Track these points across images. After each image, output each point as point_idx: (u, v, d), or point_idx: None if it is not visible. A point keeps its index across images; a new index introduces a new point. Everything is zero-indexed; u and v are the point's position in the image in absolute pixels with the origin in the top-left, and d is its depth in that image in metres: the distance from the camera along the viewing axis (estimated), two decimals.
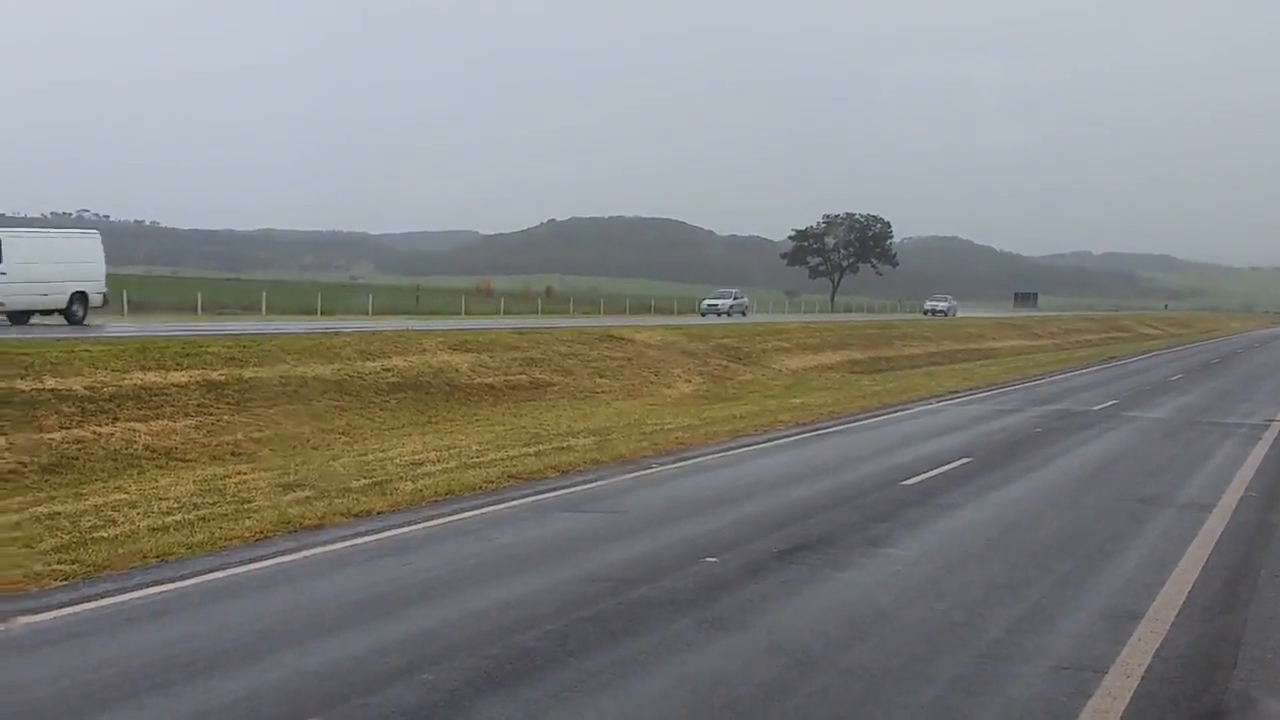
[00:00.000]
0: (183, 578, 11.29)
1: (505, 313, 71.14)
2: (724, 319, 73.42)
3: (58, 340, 26.88)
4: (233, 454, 21.92)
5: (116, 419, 22.18)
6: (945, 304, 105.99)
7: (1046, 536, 14.01)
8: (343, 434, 24.87)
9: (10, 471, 18.76)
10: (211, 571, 11.54)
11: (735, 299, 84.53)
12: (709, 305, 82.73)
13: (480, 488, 16.70)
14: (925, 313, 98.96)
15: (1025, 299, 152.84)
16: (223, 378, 26.03)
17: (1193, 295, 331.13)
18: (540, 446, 21.27)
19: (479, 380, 32.78)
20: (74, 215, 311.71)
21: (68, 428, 21.09)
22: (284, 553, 12.40)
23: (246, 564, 11.88)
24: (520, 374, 34.72)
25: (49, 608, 10.17)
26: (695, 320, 68.49)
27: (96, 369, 24.04)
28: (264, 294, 59.83)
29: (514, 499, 15.96)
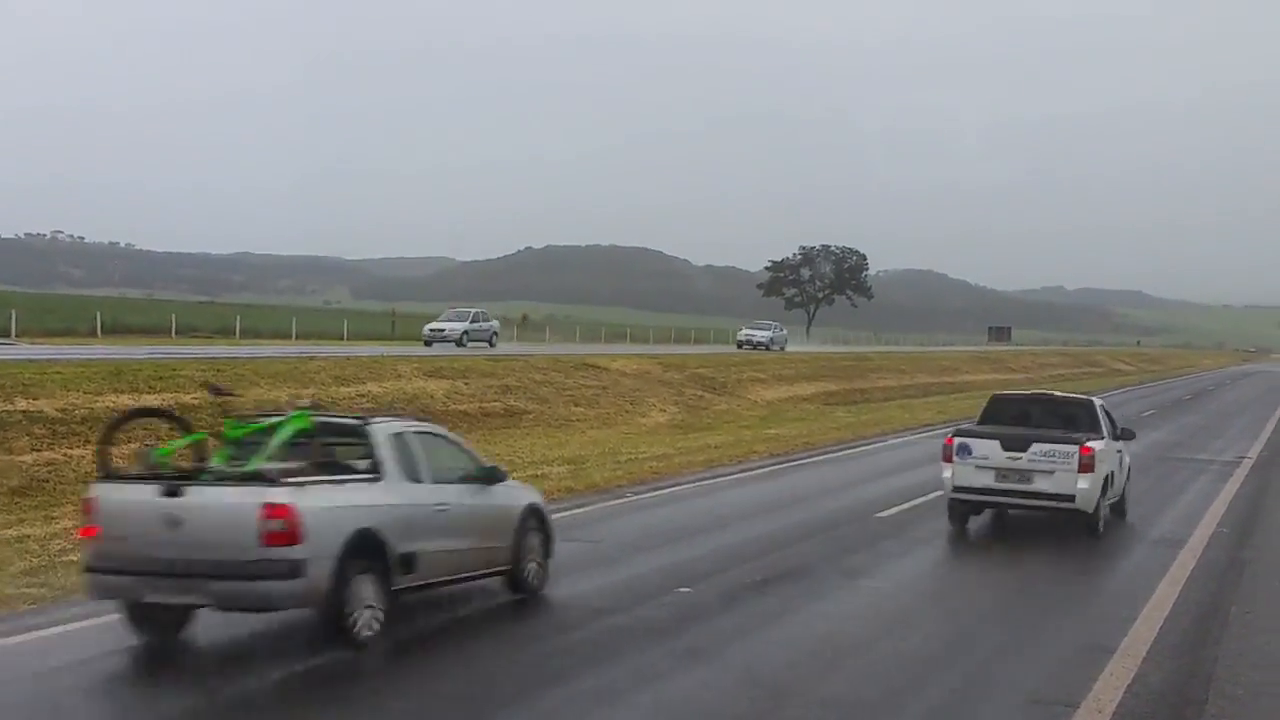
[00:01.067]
0: None
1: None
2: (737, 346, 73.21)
3: (30, 361, 26.67)
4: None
5: (89, 441, 21.98)
6: (766, 334, 75.39)
7: (1022, 570, 14.03)
8: None
9: None
10: None
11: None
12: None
13: None
14: (740, 344, 74.17)
15: (999, 333, 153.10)
16: (195, 400, 25.84)
17: (1164, 332, 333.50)
18: (515, 474, 21.11)
19: (454, 407, 32.65)
20: (48, 236, 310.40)
21: (38, 450, 20.88)
22: None
23: None
24: (495, 401, 34.63)
25: (17, 631, 10.06)
26: (669, 350, 68.54)
27: (69, 391, 23.84)
28: (238, 318, 59.59)
29: None
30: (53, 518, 16.42)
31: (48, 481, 19.74)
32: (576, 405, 37.31)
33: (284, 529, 8.74)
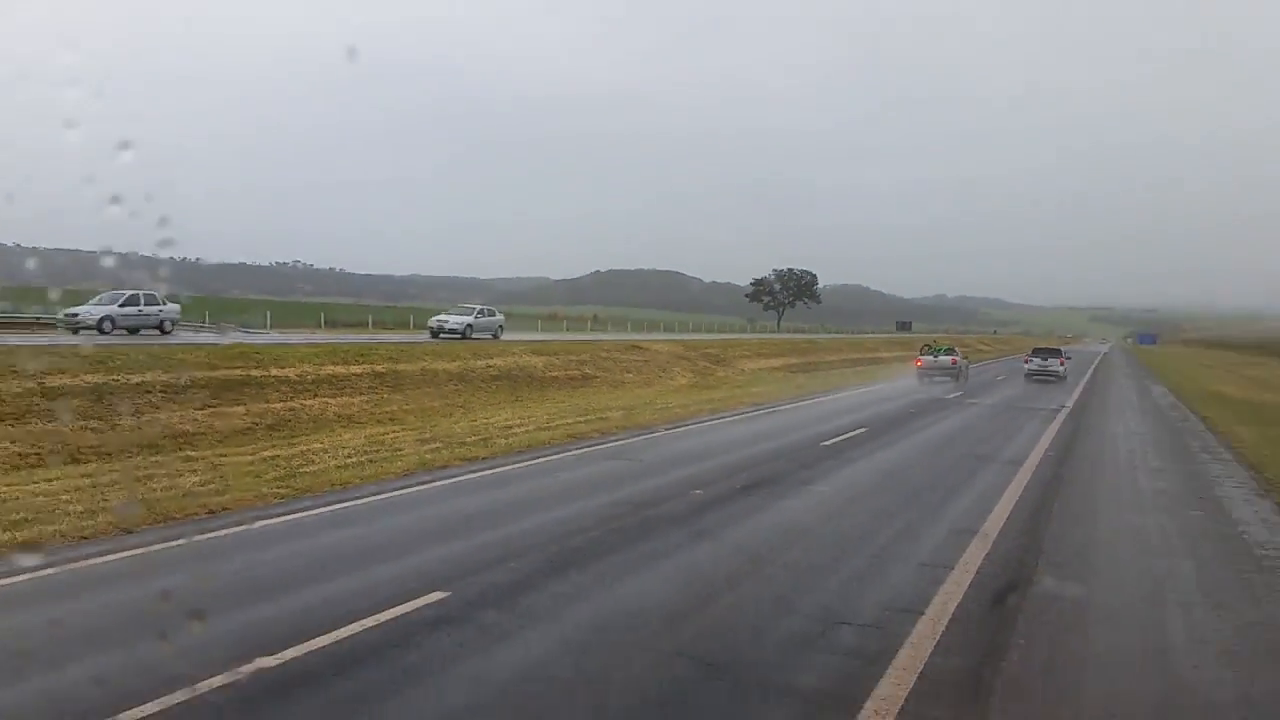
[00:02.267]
0: (357, 498, 11.36)
1: (567, 331, 71.09)
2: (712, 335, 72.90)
3: (278, 344, 27.02)
4: (390, 419, 21.98)
5: (315, 395, 22.27)
6: (463, 319, 40.13)
7: (916, 480, 13.96)
8: (461, 407, 24.92)
9: (247, 429, 18.85)
10: (376, 494, 11.60)
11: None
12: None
13: (549, 443, 16.72)
14: (434, 333, 38.87)
15: (903, 325, 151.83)
16: (384, 370, 26.10)
17: (1014, 324, 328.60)
18: (587, 417, 21.27)
19: (549, 374, 32.78)
20: (290, 263, 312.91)
21: (285, 401, 21.17)
22: (422, 483, 12.45)
23: (399, 489, 11.94)
24: (575, 370, 34.71)
25: (274, 515, 10.25)
26: (689, 337, 68.35)
27: (303, 362, 24.15)
28: (411, 316, 59.90)
29: (570, 450, 15.98)
30: (293, 444, 16.64)
31: (290, 422, 20.01)
32: (627, 373, 37.32)
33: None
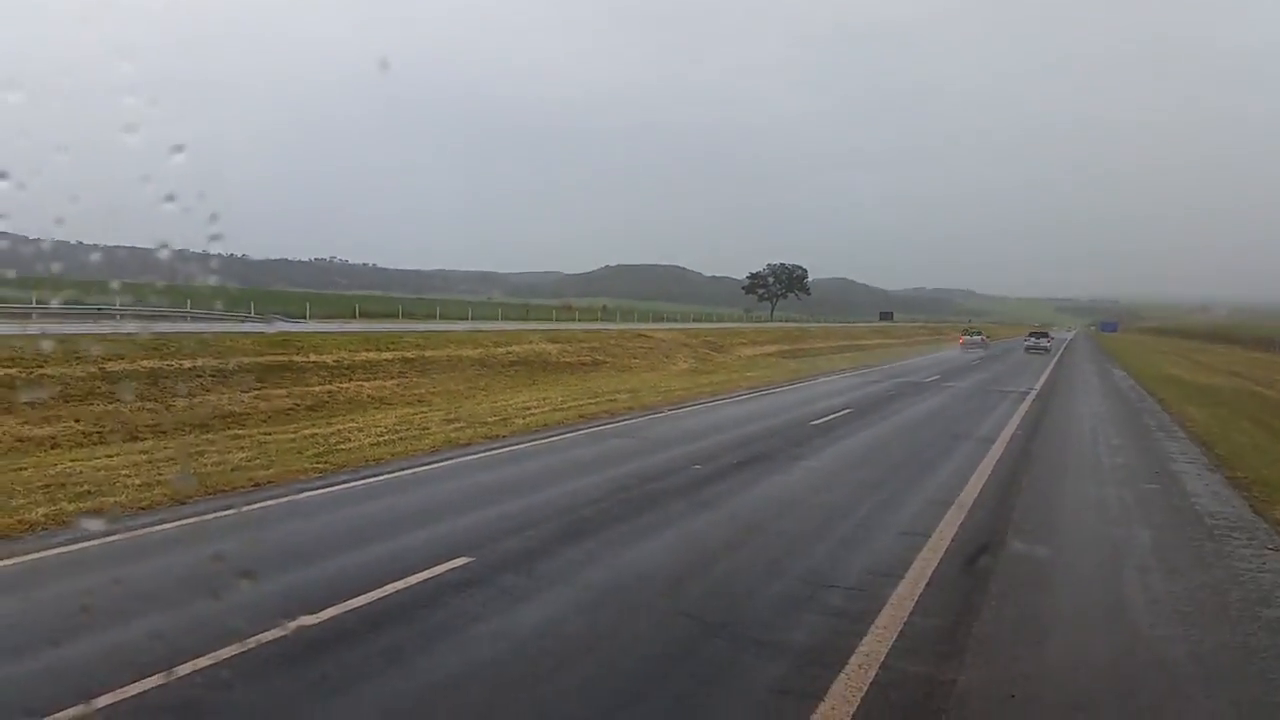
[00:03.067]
0: (389, 472, 11.39)
1: (579, 320, 71.07)
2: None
3: (317, 333, 27.06)
4: (419, 401, 22.02)
5: (351, 379, 22.32)
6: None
7: (897, 455, 13.96)
8: (483, 390, 24.95)
9: (289, 410, 18.91)
10: (406, 469, 11.64)
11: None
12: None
13: (562, 422, 16.74)
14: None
15: (886, 316, 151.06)
16: (414, 356, 26.13)
17: (986, 314, 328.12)
18: (597, 399, 21.28)
19: (563, 360, 32.80)
20: (328, 259, 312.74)
21: (323, 384, 21.22)
22: (448, 459, 12.49)
23: (427, 465, 11.98)
24: (587, 356, 34.72)
25: (314, 488, 10.29)
26: (691, 326, 68.18)
27: (340, 350, 24.19)
28: (437, 308, 59.96)
29: (582, 429, 16.01)
30: (331, 424, 16.70)
31: (328, 403, 20.05)
32: (634, 358, 37.31)
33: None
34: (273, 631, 5.74)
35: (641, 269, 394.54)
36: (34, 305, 29.63)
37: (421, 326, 39.25)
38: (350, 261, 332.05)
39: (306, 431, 15.19)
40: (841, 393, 25.65)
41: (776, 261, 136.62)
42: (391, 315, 54.96)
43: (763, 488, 11.06)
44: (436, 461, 12.23)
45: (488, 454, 13.01)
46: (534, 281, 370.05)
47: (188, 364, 18.51)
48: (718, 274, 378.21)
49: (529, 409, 18.90)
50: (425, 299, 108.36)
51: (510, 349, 31.55)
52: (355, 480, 10.80)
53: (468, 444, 13.85)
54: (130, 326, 27.00)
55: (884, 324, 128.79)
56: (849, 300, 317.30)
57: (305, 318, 43.87)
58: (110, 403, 15.63)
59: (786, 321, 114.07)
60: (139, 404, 15.79)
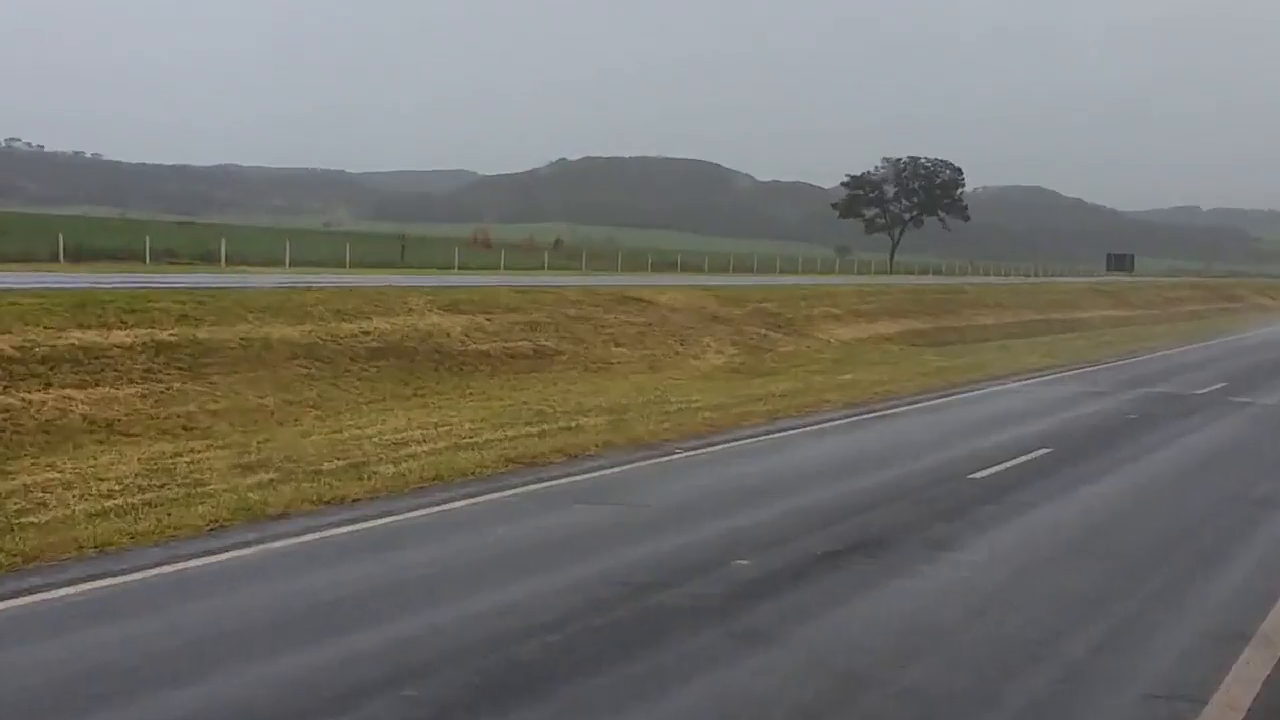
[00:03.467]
0: (124, 571, 11.33)
1: (506, 268, 71.12)
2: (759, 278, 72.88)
3: None
4: (185, 428, 21.98)
5: (50, 384, 22.25)
6: None
7: (1139, 541, 13.93)
8: (313, 406, 24.91)
9: None
10: (158, 565, 11.57)
11: None
12: None
13: (474, 473, 16.69)
14: None
15: (1120, 261, 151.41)
16: (174, 338, 26.08)
17: None
18: (544, 426, 21.26)
19: (473, 347, 32.78)
20: (2, 144, 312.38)
21: None
22: (242, 545, 12.41)
23: (199, 557, 11.92)
24: (522, 340, 34.72)
25: None
26: (730, 280, 68.34)
27: (27, 325, 24.10)
28: (222, 240, 59.88)
29: (513, 486, 15.96)
30: (9, 473, 16.64)
31: (3, 432, 19.98)
32: (617, 345, 37.35)
33: None
34: None
35: (632, 167, 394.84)
36: None
37: (189, 278, 39.18)
38: (47, 149, 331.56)
39: None
40: (1030, 416, 25.60)
41: (900, 156, 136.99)
42: (132, 255, 54.97)
43: (870, 605, 11.03)
44: (220, 551, 12.17)
45: (322, 536, 12.95)
46: (418, 189, 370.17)
47: None
48: (783, 178, 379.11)
49: (406, 445, 18.86)
50: (199, 224, 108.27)
51: (369, 324, 31.52)
52: (57, 589, 10.74)
53: (283, 514, 13.78)
54: None
55: (1115, 277, 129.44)
56: (1045, 230, 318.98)
57: None
58: None
59: (920, 274, 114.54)
60: None
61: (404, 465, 16.90)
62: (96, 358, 23.88)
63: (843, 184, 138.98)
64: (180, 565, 11.59)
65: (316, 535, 12.96)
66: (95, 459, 17.96)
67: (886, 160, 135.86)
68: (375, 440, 19.36)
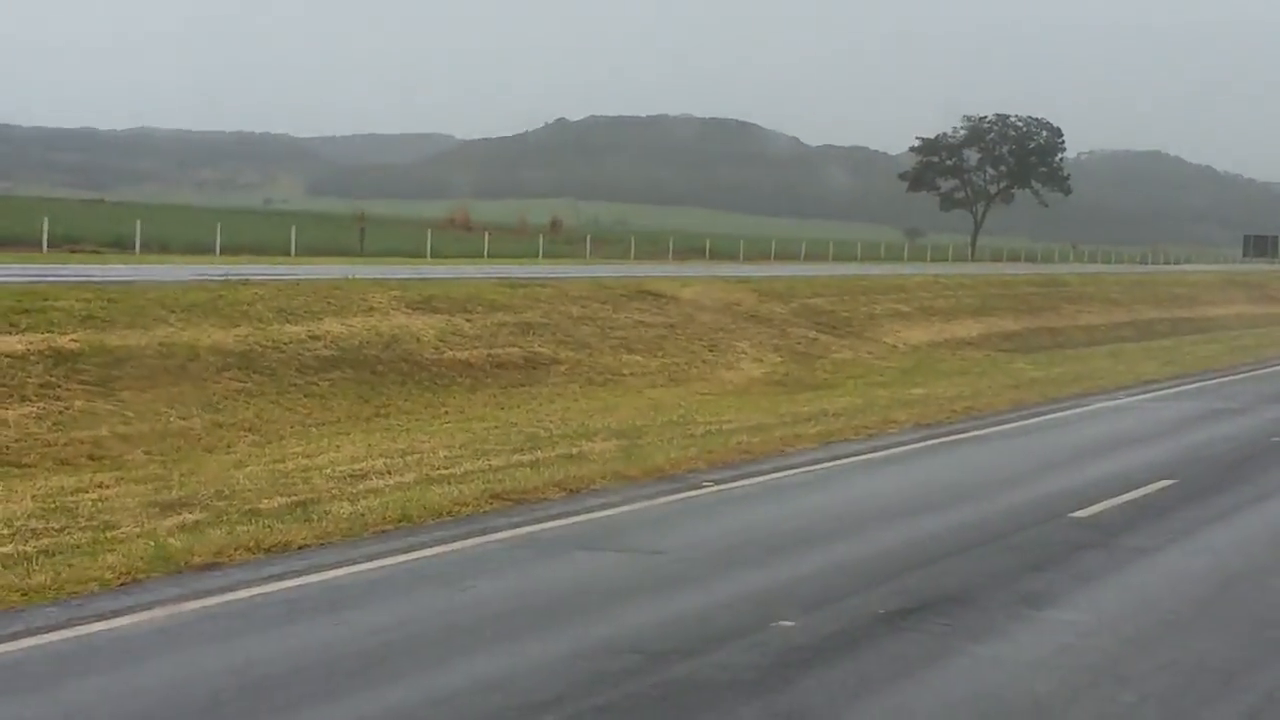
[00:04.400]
0: (13, 636, 11.33)
1: (491, 256, 71.25)
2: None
3: None
4: (90, 457, 22.00)
5: None
6: None
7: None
8: (250, 429, 24.93)
9: None
10: (56, 629, 11.57)
11: None
12: None
13: (449, 512, 16.68)
14: None
15: (1261, 245, 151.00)
16: (77, 345, 26.13)
17: None
18: (539, 453, 21.23)
19: (450, 355, 32.83)
20: None
21: None
22: (161, 602, 12.41)
23: (106, 618, 11.90)
24: (511, 346, 34.76)
25: None
26: (771, 270, 68.32)
27: None
28: (138, 223, 60.06)
29: (499, 529, 15.94)
30: None
31: None
32: (630, 352, 37.38)
33: None
34: None
35: (648, 129, 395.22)
36: None
37: (98, 270, 39.21)
38: None
39: None
40: (1147, 439, 25.57)
41: (985, 114, 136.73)
42: (25, 241, 55.08)
43: (950, 677, 11.02)
44: (133, 610, 12.17)
45: (260, 591, 12.95)
46: (382, 159, 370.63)
47: None
48: (837, 142, 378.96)
49: (366, 478, 18.89)
50: (109, 203, 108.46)
51: (320, 326, 31.54)
52: None
53: (211, 564, 13.78)
54: None
55: (1255, 264, 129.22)
56: (1167, 206, 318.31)
57: None
58: None
59: (1010, 262, 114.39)
60: None
61: (362, 503, 16.88)
62: None
63: (912, 149, 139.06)
64: (83, 629, 11.57)
65: (253, 591, 12.94)
66: None
67: (967, 119, 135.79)
68: (327, 471, 19.35)
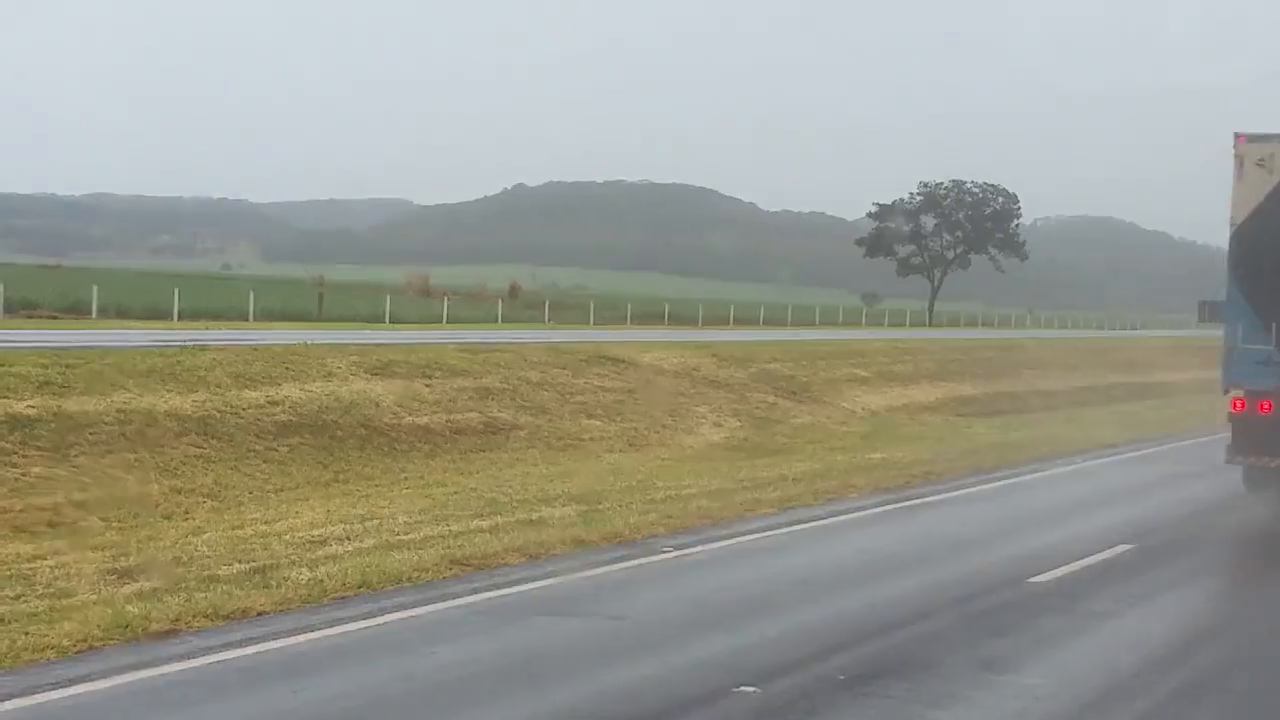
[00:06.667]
0: None
1: (450, 321, 71.23)
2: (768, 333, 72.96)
3: None
4: (47, 524, 21.86)
5: None
6: None
7: (1245, 659, 13.91)
8: (208, 495, 24.83)
9: None
10: (11, 697, 11.48)
11: None
12: None
13: (409, 578, 16.61)
14: None
15: (1215, 310, 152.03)
16: (33, 411, 26.00)
17: None
18: (498, 518, 21.18)
19: (409, 420, 32.75)
20: None
21: None
22: (119, 670, 12.31)
23: (62, 686, 11.81)
24: (470, 411, 34.70)
25: None
26: (730, 335, 68.46)
27: None
28: (94, 288, 59.90)
29: (459, 595, 15.88)
30: None
31: None
32: (590, 417, 37.35)
33: None
34: None
35: (607, 195, 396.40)
36: None
37: (54, 335, 39.09)
38: None
39: None
40: (1109, 503, 25.66)
41: (940, 180, 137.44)
42: None
43: None
44: (90, 678, 12.07)
45: (218, 659, 12.85)
46: (340, 224, 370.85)
47: None
48: (795, 207, 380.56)
49: (325, 544, 18.81)
50: (66, 267, 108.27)
51: (279, 391, 31.46)
52: None
53: (169, 632, 13.70)
54: None
55: (1210, 330, 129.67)
56: (1124, 270, 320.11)
57: None
58: None
59: (968, 327, 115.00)
60: None
61: (321, 569, 16.81)
62: None
63: (869, 215, 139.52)
64: (40, 697, 11.48)
65: (211, 658, 12.85)
66: None
67: (924, 185, 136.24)
68: (286, 538, 19.27)
